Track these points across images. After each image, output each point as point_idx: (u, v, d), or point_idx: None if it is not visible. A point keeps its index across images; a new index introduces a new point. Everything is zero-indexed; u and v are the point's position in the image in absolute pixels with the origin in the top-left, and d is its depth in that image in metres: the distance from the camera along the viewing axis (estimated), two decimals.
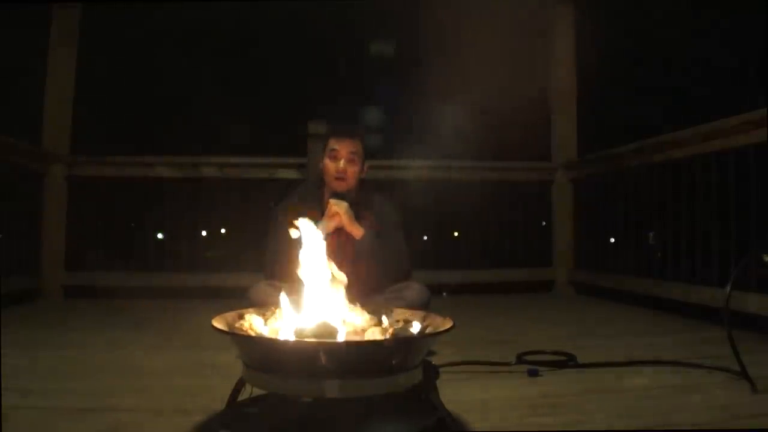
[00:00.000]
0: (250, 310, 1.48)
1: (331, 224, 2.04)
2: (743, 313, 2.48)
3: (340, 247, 2.06)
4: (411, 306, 1.77)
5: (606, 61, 4.87)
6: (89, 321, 3.09)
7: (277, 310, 1.45)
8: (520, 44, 4.39)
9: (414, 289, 2.01)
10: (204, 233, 4.18)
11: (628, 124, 4.99)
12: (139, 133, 5.10)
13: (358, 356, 1.23)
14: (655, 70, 5.43)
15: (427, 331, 1.39)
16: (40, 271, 3.78)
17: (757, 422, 1.51)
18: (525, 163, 4.53)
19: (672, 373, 1.97)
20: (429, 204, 4.13)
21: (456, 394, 1.68)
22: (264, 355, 1.27)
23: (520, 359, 2.09)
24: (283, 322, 1.38)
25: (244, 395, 1.36)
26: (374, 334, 1.32)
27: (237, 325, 1.38)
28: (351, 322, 1.38)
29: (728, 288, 1.85)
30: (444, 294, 4.00)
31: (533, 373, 1.95)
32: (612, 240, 3.97)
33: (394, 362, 1.24)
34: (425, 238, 4.33)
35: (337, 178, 2.08)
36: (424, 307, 1.84)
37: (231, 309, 1.44)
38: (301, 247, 1.47)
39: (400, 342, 1.30)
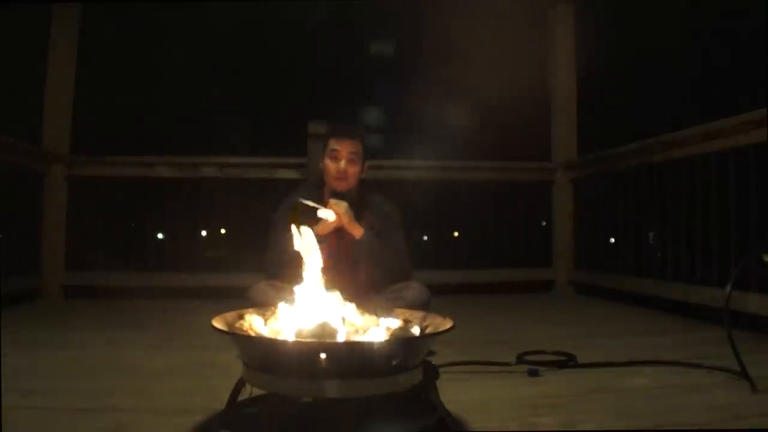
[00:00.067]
0: (250, 310, 1.48)
1: (331, 224, 2.04)
2: (743, 313, 2.48)
3: (340, 247, 2.06)
4: (411, 306, 1.77)
5: (606, 61, 4.87)
6: (89, 321, 3.09)
7: (277, 310, 1.45)
8: (520, 44, 4.39)
9: (414, 289, 2.01)
10: (204, 233, 4.18)
11: (628, 124, 4.99)
12: (139, 133, 5.10)
13: (358, 356, 1.23)
14: (655, 69, 5.43)
15: (427, 331, 1.39)
16: (40, 271, 3.78)
17: (757, 422, 1.51)
18: (525, 163, 4.53)
19: (672, 373, 1.97)
20: (429, 204, 4.13)
21: (456, 394, 1.68)
22: (264, 355, 1.27)
23: (520, 359, 2.09)
24: (283, 323, 1.38)
25: (244, 395, 1.36)
26: (374, 334, 1.32)
27: (237, 325, 1.38)
28: (351, 322, 1.38)
29: (728, 288, 1.85)
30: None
31: (533, 373, 1.95)
32: (612, 240, 3.97)
33: (394, 362, 1.24)
34: (425, 238, 4.33)
35: (337, 179, 2.08)
36: (424, 307, 1.84)
37: (231, 309, 1.44)
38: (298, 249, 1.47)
39: (400, 342, 1.30)
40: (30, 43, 4.11)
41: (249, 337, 1.33)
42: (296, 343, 1.26)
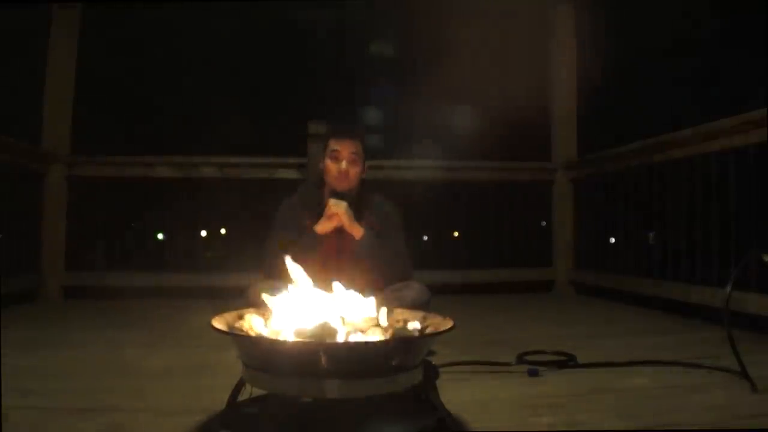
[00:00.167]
0: (250, 310, 1.48)
1: (331, 224, 2.04)
2: (743, 313, 2.48)
3: (339, 248, 2.06)
4: (411, 306, 1.77)
5: (606, 61, 4.87)
6: (89, 321, 3.09)
7: (277, 311, 1.45)
8: (521, 45, 4.39)
9: (414, 289, 2.01)
10: (204, 233, 4.18)
11: (628, 124, 4.99)
12: (139, 133, 5.10)
13: (358, 356, 1.23)
14: (655, 69, 5.43)
15: (427, 331, 1.39)
16: (40, 271, 3.78)
17: (757, 422, 1.51)
18: (525, 163, 4.53)
19: (672, 373, 1.97)
20: (429, 204, 4.13)
21: (456, 394, 1.68)
22: (264, 355, 1.27)
23: (520, 359, 2.09)
24: (283, 322, 1.38)
25: (244, 395, 1.36)
26: (374, 334, 1.32)
27: (237, 325, 1.38)
28: (351, 322, 1.38)
29: (728, 288, 1.85)
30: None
31: (533, 373, 1.95)
32: (612, 240, 3.97)
33: (394, 362, 1.24)
34: (425, 238, 4.33)
35: (338, 179, 2.08)
36: (424, 307, 1.84)
37: (230, 309, 1.44)
38: (301, 248, 1.48)
39: (400, 342, 1.30)
40: (30, 43, 4.11)
41: (249, 337, 1.33)
42: (296, 343, 1.26)
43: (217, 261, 4.12)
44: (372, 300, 1.44)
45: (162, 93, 5.27)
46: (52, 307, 3.61)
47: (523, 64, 4.39)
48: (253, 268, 2.32)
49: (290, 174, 4.04)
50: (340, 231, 2.06)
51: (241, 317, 1.42)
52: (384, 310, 1.44)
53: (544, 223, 4.47)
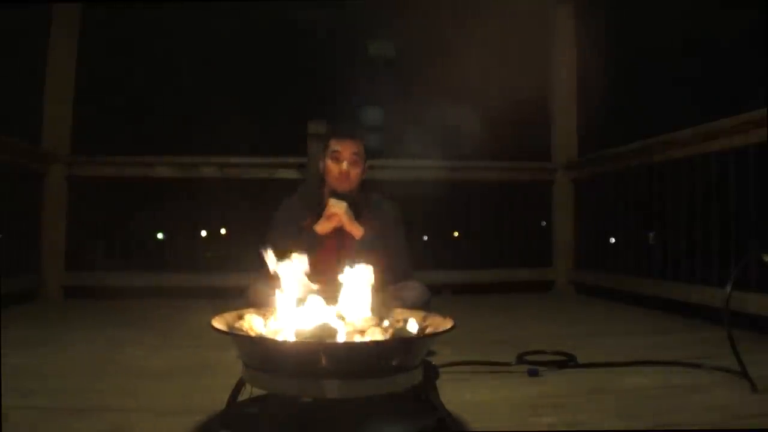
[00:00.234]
0: (250, 310, 1.48)
1: (330, 224, 2.04)
2: (743, 313, 2.48)
3: (339, 247, 2.06)
4: (411, 306, 1.77)
5: (606, 61, 4.87)
6: (89, 321, 3.09)
7: (278, 309, 1.45)
8: (521, 44, 4.39)
9: (414, 289, 2.01)
10: (204, 233, 4.18)
11: (628, 124, 4.99)
12: (139, 133, 5.11)
13: (358, 356, 1.23)
14: (655, 69, 5.43)
15: (427, 331, 1.39)
16: (40, 271, 3.78)
17: (757, 422, 1.51)
18: (525, 163, 4.53)
19: (672, 373, 1.97)
20: (429, 204, 4.13)
21: (456, 394, 1.68)
22: (264, 355, 1.27)
23: (520, 359, 2.09)
24: (283, 322, 1.38)
25: (244, 395, 1.36)
26: (374, 334, 1.32)
27: (237, 325, 1.38)
28: (351, 322, 1.38)
29: (728, 288, 1.85)
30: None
31: (533, 373, 1.95)
32: (612, 240, 3.97)
33: (394, 362, 1.24)
34: (425, 238, 4.33)
35: (340, 180, 2.08)
36: (424, 307, 1.84)
37: (231, 309, 1.44)
38: (301, 248, 1.47)
39: (400, 342, 1.30)
40: (30, 43, 4.11)
41: (249, 337, 1.33)
42: (296, 343, 1.26)
43: (217, 261, 4.12)
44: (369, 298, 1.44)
45: (162, 93, 5.27)
46: (52, 307, 3.61)
47: (523, 64, 4.39)
48: (253, 268, 2.32)
49: (290, 174, 4.04)
50: (339, 231, 2.06)
51: (241, 317, 1.42)
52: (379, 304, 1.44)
53: (544, 223, 4.47)
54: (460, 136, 4.61)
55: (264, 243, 2.10)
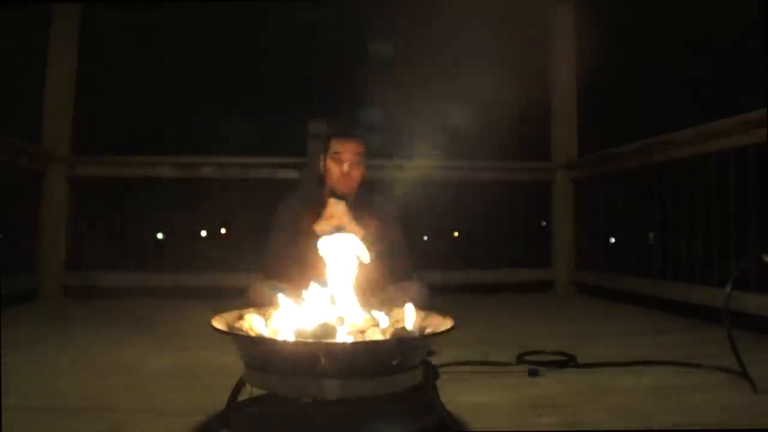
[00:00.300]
0: (250, 310, 1.48)
1: (330, 224, 2.04)
2: (743, 313, 2.48)
3: None
4: None
5: (606, 61, 4.87)
6: (89, 321, 3.09)
7: (277, 310, 1.45)
8: (520, 44, 4.38)
9: (414, 289, 2.01)
10: (204, 233, 4.18)
11: (628, 124, 4.99)
12: (139, 133, 5.10)
13: (357, 356, 1.23)
14: (655, 69, 5.43)
15: (427, 331, 1.39)
16: (40, 271, 3.78)
17: (757, 422, 1.51)
18: (525, 163, 4.53)
19: (672, 373, 1.97)
20: (429, 204, 4.13)
21: (456, 394, 1.68)
22: (264, 355, 1.27)
23: (520, 359, 2.09)
24: (283, 322, 1.38)
25: (244, 395, 1.36)
26: (374, 334, 1.32)
27: (237, 325, 1.38)
28: (351, 322, 1.38)
29: (728, 288, 1.85)
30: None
31: (533, 373, 1.95)
32: (612, 240, 3.97)
33: (394, 362, 1.24)
34: (425, 238, 4.33)
35: (341, 181, 2.07)
36: (424, 307, 1.83)
37: (230, 309, 1.44)
38: (301, 249, 1.48)
39: (400, 342, 1.30)
40: (30, 43, 4.11)
41: (249, 337, 1.33)
42: (296, 343, 1.26)
43: (217, 261, 4.12)
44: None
45: (162, 93, 5.27)
46: (52, 306, 3.61)
47: (523, 64, 4.38)
48: (253, 268, 2.33)
49: (290, 174, 4.04)
50: (339, 231, 2.05)
51: (241, 317, 1.42)
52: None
53: (544, 223, 4.47)
54: (460, 136, 4.61)
55: (265, 243, 2.12)
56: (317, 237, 2.02)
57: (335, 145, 2.09)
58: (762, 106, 2.49)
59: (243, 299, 1.93)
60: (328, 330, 1.27)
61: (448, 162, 4.32)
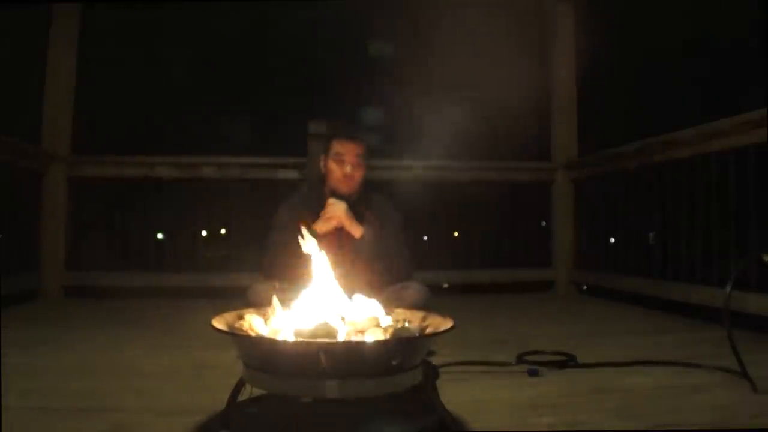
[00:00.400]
0: (250, 310, 1.48)
1: (330, 224, 2.04)
2: (743, 313, 2.48)
3: (339, 247, 2.06)
4: (411, 306, 1.77)
5: (606, 61, 4.87)
6: (89, 321, 3.09)
7: (277, 310, 1.45)
8: (520, 44, 4.38)
9: (414, 289, 2.01)
10: (204, 233, 4.18)
11: (628, 124, 4.99)
12: (139, 133, 5.10)
13: (358, 356, 1.23)
14: (655, 69, 5.43)
15: (427, 331, 1.39)
16: (40, 271, 3.78)
17: (757, 422, 1.51)
18: (525, 163, 4.53)
19: (672, 373, 1.97)
20: (429, 204, 4.13)
21: (456, 394, 1.68)
22: (264, 355, 1.27)
23: (520, 359, 2.09)
24: (283, 322, 1.38)
25: (244, 395, 1.36)
26: (374, 334, 1.32)
27: (237, 325, 1.38)
28: (351, 322, 1.38)
29: (728, 288, 1.85)
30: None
31: (533, 373, 1.95)
32: (612, 240, 3.97)
33: (394, 362, 1.24)
34: (425, 238, 4.33)
35: (343, 182, 2.07)
36: (424, 307, 1.84)
37: (231, 309, 1.44)
38: (300, 250, 1.48)
39: (400, 342, 1.30)
40: (30, 43, 4.11)
41: (249, 337, 1.33)
42: (296, 343, 1.26)
43: (217, 261, 4.12)
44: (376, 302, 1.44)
45: (162, 93, 5.27)
46: (52, 306, 3.61)
47: (523, 64, 4.38)
48: (253, 268, 2.33)
49: (290, 174, 4.04)
50: (340, 231, 2.06)
51: (241, 317, 1.42)
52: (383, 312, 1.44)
53: (544, 223, 4.47)
54: (459, 136, 4.60)
55: (265, 243, 2.12)
56: (317, 237, 2.03)
57: (337, 146, 2.09)
58: (762, 106, 2.49)
59: (243, 299, 1.93)
60: (328, 330, 1.27)
61: (448, 162, 4.32)
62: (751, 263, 2.54)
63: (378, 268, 2.03)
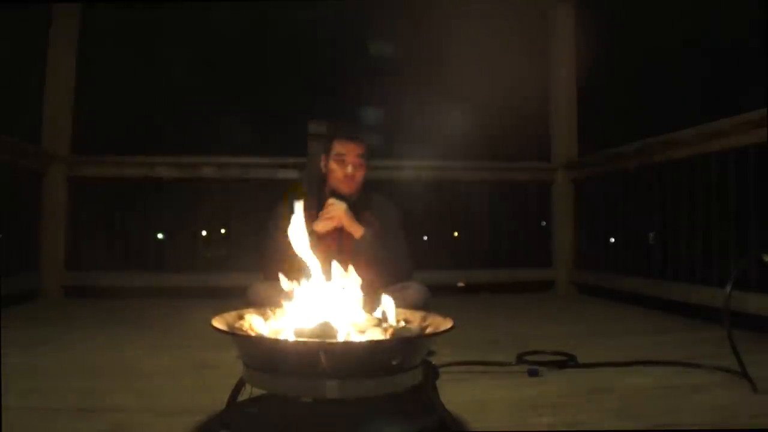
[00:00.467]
0: (250, 310, 1.48)
1: (330, 224, 2.04)
2: (743, 313, 2.48)
3: (340, 247, 2.06)
4: (411, 306, 1.77)
5: (606, 61, 4.87)
6: (89, 321, 3.09)
7: (277, 310, 1.45)
8: (520, 44, 4.38)
9: (414, 289, 2.01)
10: (204, 233, 4.18)
11: (628, 124, 4.99)
12: (140, 133, 5.10)
13: (358, 356, 1.23)
14: (655, 69, 5.43)
15: (427, 331, 1.39)
16: (40, 271, 3.78)
17: (757, 422, 1.51)
18: (525, 163, 4.53)
19: (672, 373, 1.97)
20: (429, 204, 4.13)
21: (456, 394, 1.68)
22: (264, 355, 1.27)
23: (520, 359, 2.09)
24: (283, 322, 1.38)
25: (244, 395, 1.36)
26: (374, 334, 1.32)
27: (237, 325, 1.38)
28: (351, 322, 1.38)
29: (728, 288, 1.85)
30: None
31: (533, 373, 1.95)
32: (612, 240, 3.97)
33: (394, 362, 1.24)
34: (425, 238, 4.33)
35: (345, 183, 2.07)
36: (424, 307, 1.84)
37: (231, 309, 1.44)
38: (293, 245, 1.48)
39: (400, 342, 1.30)
40: (30, 43, 4.11)
41: (249, 337, 1.33)
42: (296, 343, 1.26)
43: (217, 261, 4.12)
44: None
45: (162, 93, 5.27)
46: (52, 306, 3.61)
47: (523, 64, 4.38)
48: (253, 268, 2.32)
49: (290, 174, 4.04)
50: (340, 231, 2.06)
51: (241, 317, 1.42)
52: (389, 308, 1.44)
53: (544, 223, 4.48)
54: (459, 136, 4.60)
55: (265, 243, 2.11)
56: (318, 237, 2.03)
57: (338, 147, 2.09)
58: (762, 106, 2.49)
59: (243, 299, 1.93)
60: (328, 330, 1.27)
61: (448, 162, 4.32)
62: (751, 263, 2.54)
63: (378, 268, 2.03)
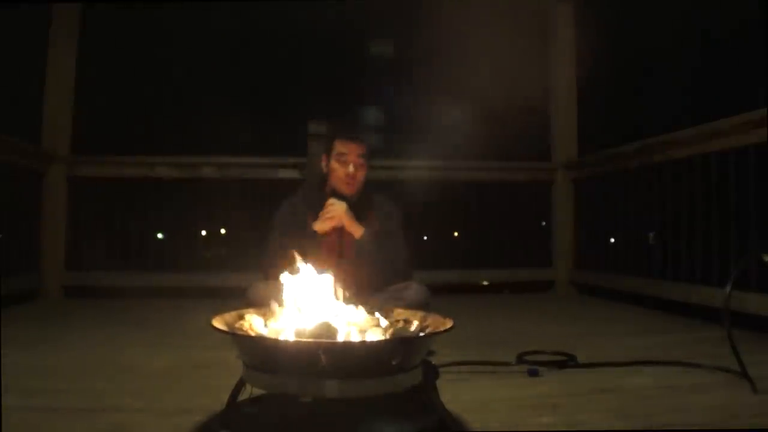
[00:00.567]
0: (250, 310, 1.48)
1: (330, 224, 2.04)
2: (743, 313, 2.49)
3: (340, 247, 2.06)
4: (411, 306, 1.77)
5: (606, 61, 4.87)
6: (89, 321, 3.09)
7: (277, 310, 1.45)
8: (520, 44, 4.38)
9: (414, 289, 2.01)
10: (204, 233, 4.18)
11: (628, 124, 4.98)
12: (139, 133, 5.10)
13: (358, 356, 1.23)
14: (655, 69, 5.43)
15: (427, 331, 1.39)
16: (40, 271, 3.78)
17: (757, 422, 1.51)
18: (525, 163, 4.53)
19: (672, 373, 1.97)
20: (429, 204, 4.13)
21: (456, 394, 1.68)
22: (264, 355, 1.27)
23: (520, 359, 2.09)
24: (283, 322, 1.38)
25: (244, 395, 1.36)
26: (374, 334, 1.32)
27: (237, 325, 1.38)
28: (351, 322, 1.38)
29: (728, 288, 1.85)
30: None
31: (533, 373, 1.95)
32: (612, 240, 3.97)
33: (394, 362, 1.24)
34: (425, 238, 4.33)
35: (346, 183, 2.07)
36: (424, 307, 1.84)
37: (231, 309, 1.44)
38: (302, 249, 1.48)
39: (400, 342, 1.30)
40: (30, 43, 4.11)
41: (249, 337, 1.33)
42: (296, 343, 1.26)
43: (217, 261, 4.12)
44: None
45: (162, 93, 5.27)
46: (52, 306, 3.61)
47: (523, 64, 4.38)
48: (253, 268, 2.33)
49: (290, 174, 4.04)
50: (340, 230, 2.06)
51: (241, 317, 1.42)
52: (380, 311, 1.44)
53: (544, 223, 4.48)
54: (459, 136, 4.60)
55: (265, 243, 2.12)
56: (318, 237, 2.04)
57: (340, 147, 2.09)
58: (762, 106, 2.49)
59: (243, 299, 1.93)
60: (328, 329, 1.27)
61: (448, 162, 4.32)
62: (751, 263, 2.54)
63: (378, 268, 2.03)
